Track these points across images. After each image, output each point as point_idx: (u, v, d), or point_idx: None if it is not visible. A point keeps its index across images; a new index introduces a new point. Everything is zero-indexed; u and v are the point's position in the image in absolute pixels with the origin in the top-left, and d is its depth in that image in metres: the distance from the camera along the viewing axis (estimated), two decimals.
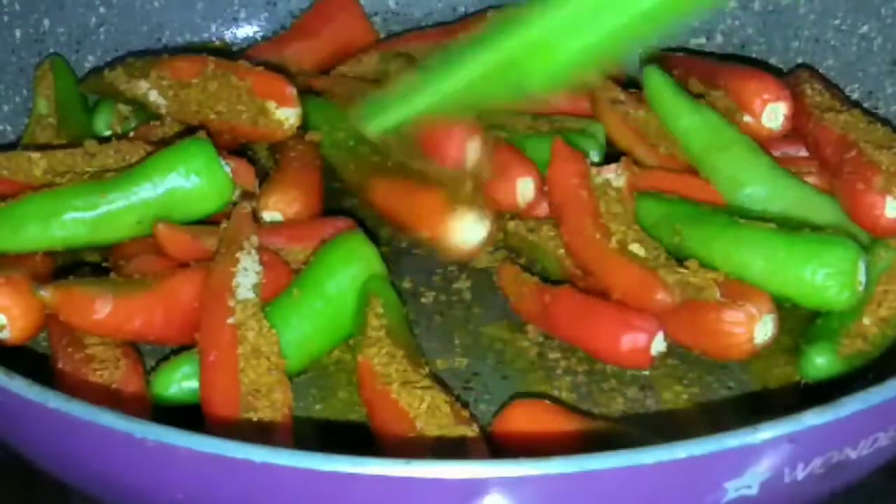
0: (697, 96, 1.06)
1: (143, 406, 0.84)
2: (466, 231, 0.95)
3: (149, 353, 0.91)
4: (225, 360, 0.83)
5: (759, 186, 0.97)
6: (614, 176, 0.97)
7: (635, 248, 0.91)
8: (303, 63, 1.17)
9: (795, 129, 1.03)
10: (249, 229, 0.91)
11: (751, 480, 0.67)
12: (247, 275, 0.88)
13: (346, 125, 1.04)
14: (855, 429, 0.68)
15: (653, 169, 1.02)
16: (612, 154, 1.05)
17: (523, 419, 0.83)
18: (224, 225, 0.92)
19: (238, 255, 0.89)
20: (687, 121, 1.02)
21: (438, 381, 0.87)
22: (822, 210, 0.96)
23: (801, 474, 0.68)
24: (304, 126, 1.05)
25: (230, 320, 0.84)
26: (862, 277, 0.88)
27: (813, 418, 0.65)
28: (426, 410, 0.81)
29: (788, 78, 1.10)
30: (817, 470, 0.69)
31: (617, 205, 0.95)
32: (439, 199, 0.95)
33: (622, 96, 1.07)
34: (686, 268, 0.89)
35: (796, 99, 1.04)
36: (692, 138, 1.01)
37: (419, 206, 0.96)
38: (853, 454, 0.69)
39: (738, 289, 0.88)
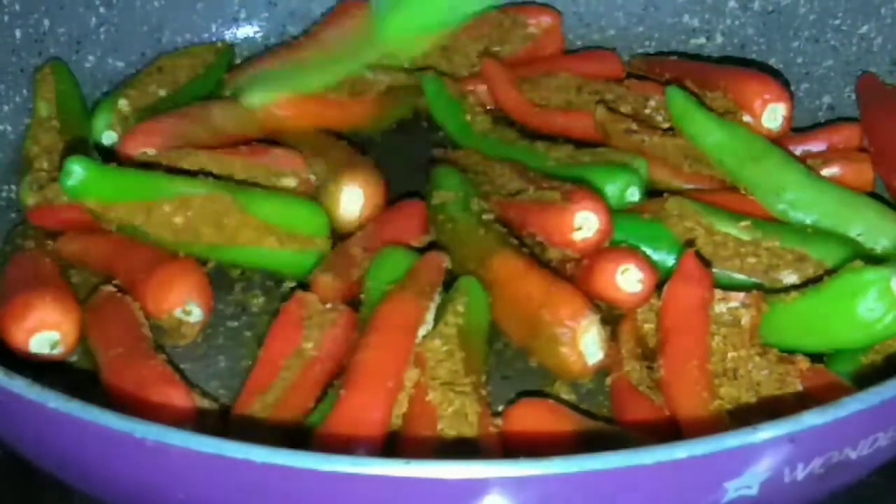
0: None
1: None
2: (589, 345, 0.88)
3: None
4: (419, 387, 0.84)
5: (799, 192, 0.97)
6: (739, 306, 0.87)
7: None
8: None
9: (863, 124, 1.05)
10: (440, 280, 0.93)
11: (750, 480, 0.67)
12: (427, 321, 0.89)
13: (476, 194, 1.00)
14: (854, 429, 0.68)
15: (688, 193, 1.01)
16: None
17: (528, 419, 0.83)
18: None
19: (430, 302, 0.90)
20: (716, 136, 1.01)
21: (483, 394, 0.86)
22: (860, 210, 0.96)
23: (800, 474, 0.68)
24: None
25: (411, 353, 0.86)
26: None
27: (813, 418, 0.65)
28: (452, 414, 0.82)
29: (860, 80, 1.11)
30: (817, 470, 0.69)
31: (733, 340, 0.86)
32: (581, 298, 0.88)
33: (634, 125, 1.06)
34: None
35: (872, 93, 1.05)
36: (725, 153, 1.00)
37: (555, 294, 0.88)
38: (853, 454, 0.69)
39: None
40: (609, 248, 0.93)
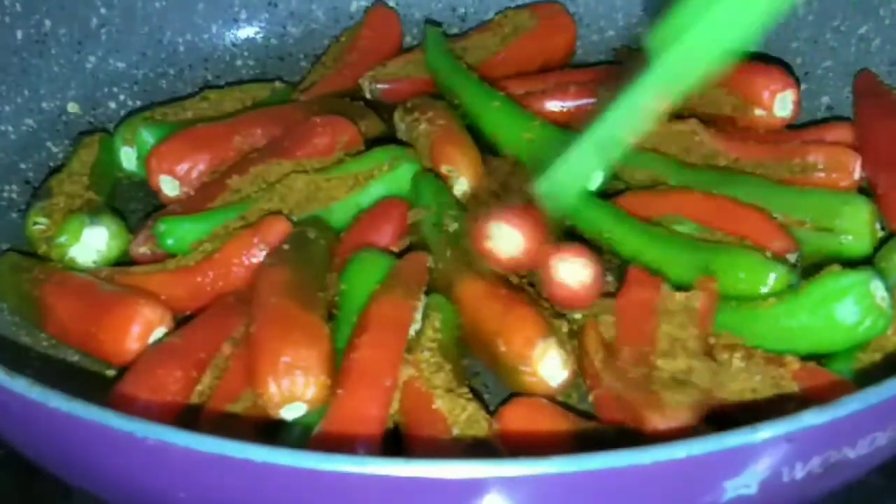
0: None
1: None
2: (549, 369, 0.86)
3: None
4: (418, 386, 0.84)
5: None
6: (691, 295, 0.89)
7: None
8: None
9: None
10: (425, 279, 0.93)
11: (749, 480, 0.67)
12: (416, 320, 0.89)
13: (454, 209, 0.99)
14: (853, 428, 0.68)
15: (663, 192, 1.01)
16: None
17: (522, 418, 0.83)
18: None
19: (418, 302, 0.90)
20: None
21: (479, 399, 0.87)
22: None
23: (799, 474, 0.68)
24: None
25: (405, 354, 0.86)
26: (883, 300, 0.85)
27: (811, 418, 0.65)
28: (466, 419, 0.82)
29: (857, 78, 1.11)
30: (816, 469, 0.68)
31: (684, 321, 0.86)
32: (534, 323, 0.87)
33: None
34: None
35: (868, 91, 1.07)
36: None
37: (509, 322, 0.87)
38: (851, 454, 0.69)
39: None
40: (552, 246, 0.91)
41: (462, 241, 0.95)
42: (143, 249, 1.00)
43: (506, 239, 0.91)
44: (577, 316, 0.91)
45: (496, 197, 1.00)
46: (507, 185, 1.03)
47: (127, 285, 0.94)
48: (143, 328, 0.89)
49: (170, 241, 0.97)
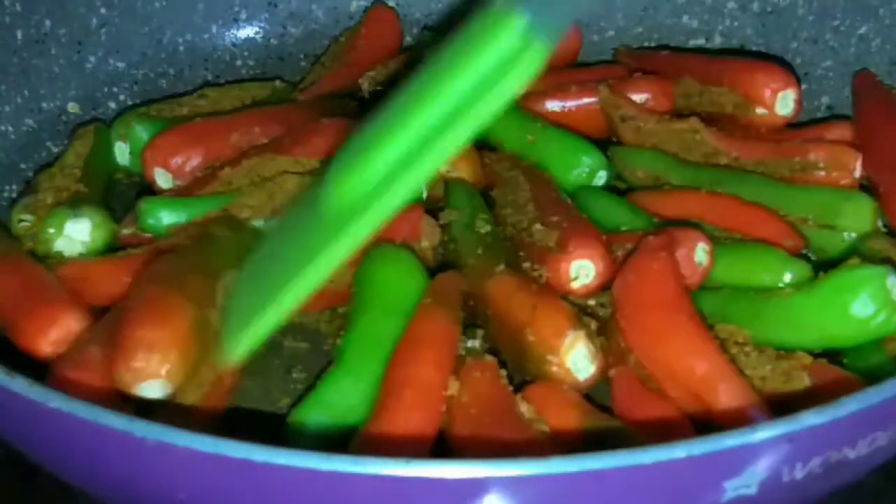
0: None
1: None
2: (577, 361, 0.86)
3: None
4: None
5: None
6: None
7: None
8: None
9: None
10: (460, 298, 0.93)
11: (749, 480, 0.67)
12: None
13: (486, 213, 0.99)
14: (853, 429, 0.68)
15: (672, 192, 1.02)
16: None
17: (542, 400, 0.84)
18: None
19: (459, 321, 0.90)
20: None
21: None
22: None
23: (799, 474, 0.68)
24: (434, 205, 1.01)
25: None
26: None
27: (811, 418, 0.65)
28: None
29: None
30: (816, 470, 0.69)
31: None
32: (565, 314, 0.87)
33: (631, 111, 1.07)
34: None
35: (868, 91, 1.07)
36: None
37: (540, 312, 0.87)
38: (852, 454, 0.69)
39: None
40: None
41: (495, 244, 0.96)
42: (128, 231, 1.00)
43: (585, 271, 0.92)
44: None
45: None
46: (503, 181, 1.03)
47: (66, 277, 0.93)
48: (61, 334, 0.88)
49: (150, 221, 0.98)
